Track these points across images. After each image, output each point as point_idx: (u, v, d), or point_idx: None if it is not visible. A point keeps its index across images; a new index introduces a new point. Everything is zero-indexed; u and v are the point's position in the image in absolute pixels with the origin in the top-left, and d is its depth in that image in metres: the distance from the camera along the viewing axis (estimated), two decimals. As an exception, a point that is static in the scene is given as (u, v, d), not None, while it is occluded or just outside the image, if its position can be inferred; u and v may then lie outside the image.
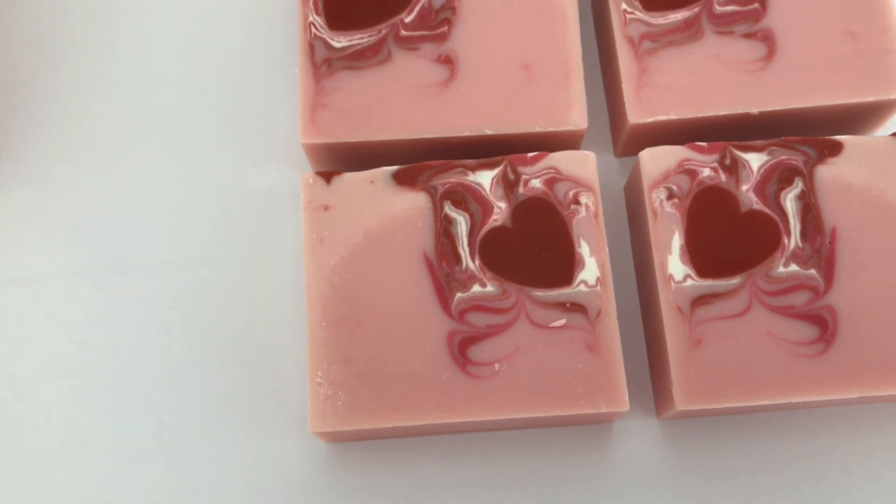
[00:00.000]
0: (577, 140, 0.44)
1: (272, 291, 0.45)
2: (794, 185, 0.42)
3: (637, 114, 0.43)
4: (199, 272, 0.45)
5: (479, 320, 0.40)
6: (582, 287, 0.40)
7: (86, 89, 0.49)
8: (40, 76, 0.49)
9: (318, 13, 0.45)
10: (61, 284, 0.45)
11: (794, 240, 0.41)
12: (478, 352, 0.40)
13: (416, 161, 0.43)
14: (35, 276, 0.45)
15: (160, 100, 0.48)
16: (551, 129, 0.43)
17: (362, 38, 0.44)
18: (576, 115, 0.43)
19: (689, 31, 0.44)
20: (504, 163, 0.42)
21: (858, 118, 0.45)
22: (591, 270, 0.40)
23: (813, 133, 0.44)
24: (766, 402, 0.39)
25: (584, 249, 0.41)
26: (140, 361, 0.44)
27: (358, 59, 0.44)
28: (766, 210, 0.41)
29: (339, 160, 0.45)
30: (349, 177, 0.42)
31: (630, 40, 0.44)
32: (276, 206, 0.46)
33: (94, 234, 0.46)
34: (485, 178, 0.42)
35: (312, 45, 0.44)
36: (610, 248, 0.43)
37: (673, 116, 0.43)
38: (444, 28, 0.44)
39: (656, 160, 0.42)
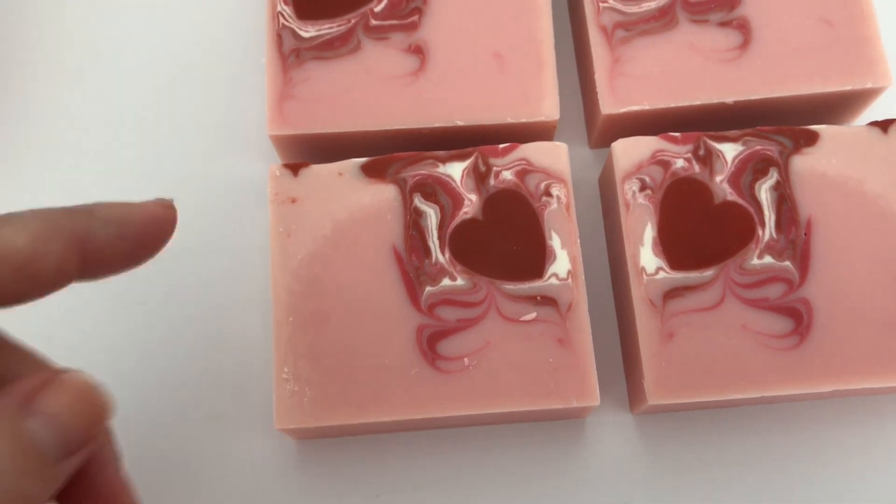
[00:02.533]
0: (550, 131, 0.44)
1: (240, 285, 0.44)
2: (769, 175, 0.41)
3: (610, 104, 0.42)
4: (167, 266, 0.44)
5: (448, 314, 0.39)
6: (553, 280, 0.40)
7: (51, 82, 0.48)
8: (5, 69, 0.48)
9: (286, 3, 0.44)
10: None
11: (768, 231, 0.40)
12: (447, 346, 0.39)
13: (386, 152, 0.42)
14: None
15: (127, 91, 0.47)
16: (523, 119, 0.42)
17: (331, 27, 0.43)
18: (548, 105, 0.42)
19: (663, 19, 0.43)
20: (475, 154, 0.41)
21: (835, 107, 0.44)
22: (562, 263, 0.40)
23: (789, 123, 0.44)
24: (739, 397, 0.39)
25: (555, 242, 0.40)
26: (107, 357, 0.43)
27: (327, 49, 0.43)
28: (741, 201, 0.40)
29: (308, 152, 0.44)
30: (317, 168, 0.41)
31: (603, 29, 0.43)
32: (245, 198, 0.45)
33: (60, 228, 0.45)
34: (455, 170, 0.41)
35: (280, 35, 0.43)
36: (584, 241, 0.42)
37: (647, 106, 0.42)
38: (415, 17, 0.44)
39: (629, 151, 0.41)
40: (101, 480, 0.29)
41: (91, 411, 0.26)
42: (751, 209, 0.40)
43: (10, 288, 0.26)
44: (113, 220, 0.28)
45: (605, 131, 0.44)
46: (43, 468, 0.25)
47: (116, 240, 0.28)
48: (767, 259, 0.40)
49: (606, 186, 0.44)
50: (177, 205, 0.31)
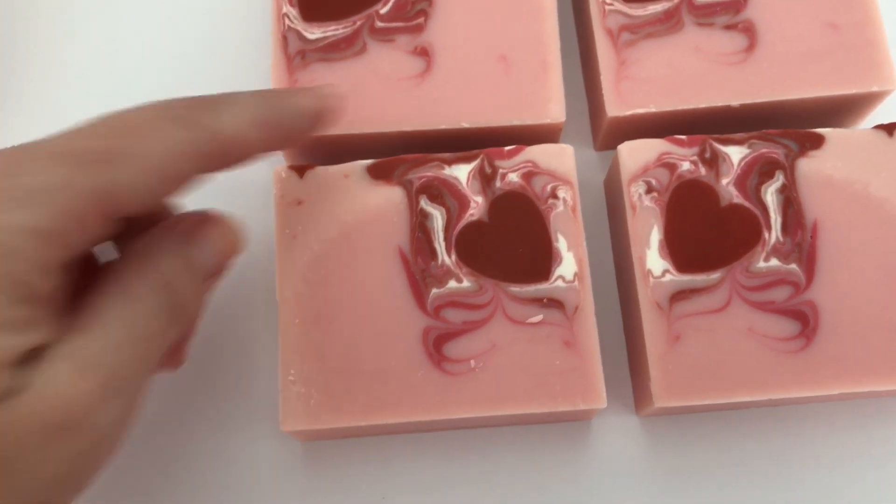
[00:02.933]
0: (556, 133, 0.44)
1: (245, 288, 0.44)
2: (775, 178, 0.41)
3: (616, 107, 0.42)
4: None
5: (454, 316, 0.39)
6: (559, 282, 0.40)
7: (54, 83, 0.48)
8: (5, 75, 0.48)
9: (291, 4, 0.44)
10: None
11: (774, 234, 0.40)
12: (453, 348, 0.39)
13: (392, 154, 0.42)
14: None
15: (130, 92, 0.47)
16: (529, 122, 0.42)
17: (337, 29, 0.43)
18: (554, 108, 0.42)
19: (668, 22, 0.44)
20: (481, 156, 0.41)
21: (840, 111, 0.44)
22: (568, 265, 0.40)
23: (795, 126, 0.44)
24: (745, 399, 0.39)
25: (561, 244, 0.40)
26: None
27: (332, 51, 0.43)
28: (747, 204, 0.40)
29: (314, 153, 0.44)
30: (323, 170, 0.41)
31: (609, 32, 0.43)
32: (250, 200, 0.45)
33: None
34: (461, 172, 0.41)
35: (286, 36, 0.43)
36: (590, 244, 0.42)
37: (653, 109, 0.42)
38: (421, 20, 0.44)
39: (635, 153, 0.41)
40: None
41: (232, 243, 0.35)
42: (757, 212, 0.40)
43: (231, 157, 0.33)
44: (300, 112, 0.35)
45: (611, 134, 0.44)
46: (197, 282, 0.33)
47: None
48: (774, 262, 0.40)
49: (612, 189, 0.44)
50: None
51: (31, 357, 0.27)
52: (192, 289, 0.33)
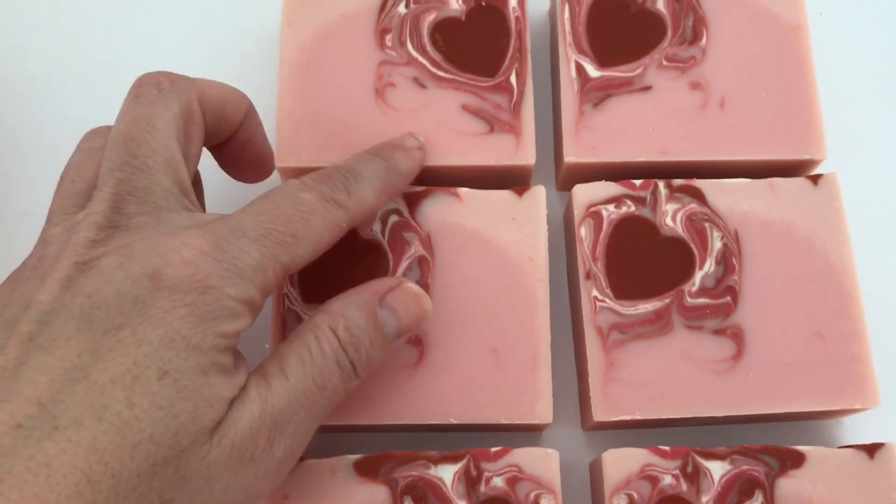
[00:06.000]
0: (543, 427, 0.45)
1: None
2: (755, 498, 0.42)
3: (604, 411, 0.43)
4: None
5: None
6: None
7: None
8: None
9: (292, 284, 0.45)
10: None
11: (751, 561, 0.41)
12: None
13: (384, 431, 0.44)
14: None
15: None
16: (517, 421, 0.43)
17: (334, 313, 0.44)
18: (541, 407, 0.43)
19: (658, 323, 0.44)
20: (467, 457, 0.42)
21: (822, 414, 0.45)
22: (546, 585, 0.40)
23: (777, 420, 0.45)
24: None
25: (541, 558, 0.41)
26: None
27: (329, 336, 0.44)
28: (726, 526, 0.41)
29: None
30: (312, 464, 0.42)
31: (599, 330, 0.44)
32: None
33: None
34: (447, 473, 0.42)
35: (284, 318, 0.44)
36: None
37: (637, 416, 0.43)
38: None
39: (619, 463, 0.42)
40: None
41: (419, 311, 0.41)
42: (735, 535, 0.41)
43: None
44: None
45: (597, 427, 0.45)
46: (385, 342, 0.39)
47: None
48: (749, 591, 0.40)
49: (597, 492, 0.44)
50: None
51: (236, 397, 0.34)
52: (374, 351, 0.38)
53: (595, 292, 0.45)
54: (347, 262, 0.45)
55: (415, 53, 0.48)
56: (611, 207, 0.46)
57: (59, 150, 0.42)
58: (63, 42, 0.54)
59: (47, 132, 0.52)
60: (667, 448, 0.42)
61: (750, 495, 0.42)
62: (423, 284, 0.45)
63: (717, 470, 0.42)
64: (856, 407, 0.43)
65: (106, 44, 0.54)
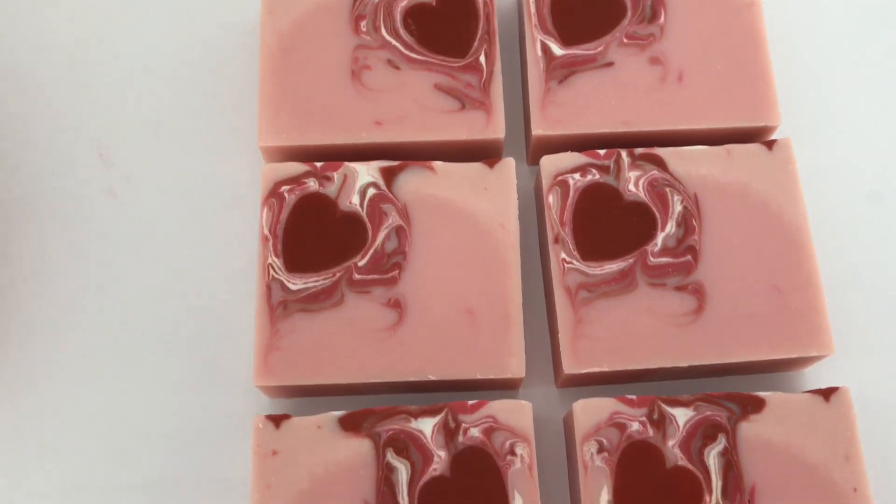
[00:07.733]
0: (517, 382, 0.47)
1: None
2: (718, 441, 0.44)
3: (572, 364, 0.46)
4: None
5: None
6: (513, 542, 0.42)
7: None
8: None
9: (276, 255, 0.47)
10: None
11: (715, 498, 0.43)
12: None
13: (364, 393, 0.46)
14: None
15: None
16: (491, 376, 0.46)
17: (317, 281, 0.47)
18: (514, 363, 0.46)
19: (623, 281, 0.47)
20: (445, 410, 0.44)
21: (781, 365, 0.48)
22: (522, 526, 0.43)
23: (740, 373, 0.47)
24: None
25: (517, 502, 0.43)
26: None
27: (312, 302, 0.47)
28: (690, 466, 0.43)
29: (292, 394, 0.47)
30: (297, 421, 0.44)
31: (568, 290, 0.47)
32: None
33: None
34: (426, 426, 0.44)
35: (270, 286, 0.47)
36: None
37: (605, 368, 0.46)
38: (395, 272, 0.47)
39: (589, 412, 0.44)
40: None
41: None
42: (699, 475, 0.43)
43: None
44: None
45: (569, 383, 0.48)
46: None
47: None
48: (713, 525, 0.43)
49: (569, 442, 0.47)
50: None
51: None
52: None
53: (563, 255, 0.47)
54: (328, 232, 0.48)
55: (388, 37, 0.51)
56: (577, 176, 0.49)
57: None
58: (43, 34, 0.56)
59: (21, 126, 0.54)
60: (633, 397, 0.45)
61: (713, 439, 0.44)
62: (401, 252, 0.47)
63: (682, 416, 0.44)
64: (812, 354, 0.46)
65: (88, 34, 0.56)
